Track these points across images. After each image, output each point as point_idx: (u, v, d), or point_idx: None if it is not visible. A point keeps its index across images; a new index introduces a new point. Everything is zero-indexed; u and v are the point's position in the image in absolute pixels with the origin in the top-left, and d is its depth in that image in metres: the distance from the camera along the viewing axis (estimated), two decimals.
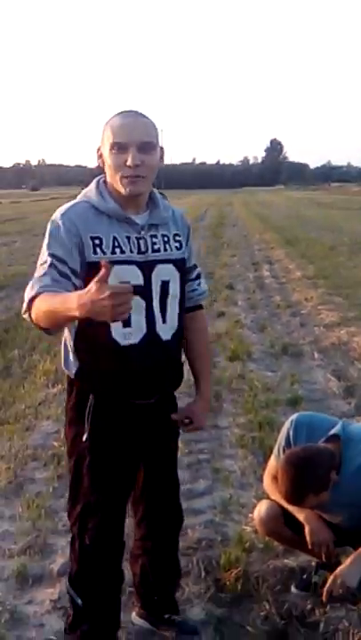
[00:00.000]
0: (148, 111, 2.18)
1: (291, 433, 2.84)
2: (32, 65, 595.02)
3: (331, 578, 2.69)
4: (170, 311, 2.27)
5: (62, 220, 2.14)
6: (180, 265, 2.32)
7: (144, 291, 2.19)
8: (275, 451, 2.95)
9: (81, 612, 2.36)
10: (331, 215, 30.79)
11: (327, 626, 2.67)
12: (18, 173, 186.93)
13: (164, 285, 2.25)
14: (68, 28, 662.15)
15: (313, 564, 3.03)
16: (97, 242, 2.13)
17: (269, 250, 16.53)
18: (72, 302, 1.85)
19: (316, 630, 2.65)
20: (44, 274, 2.07)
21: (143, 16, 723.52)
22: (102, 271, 1.76)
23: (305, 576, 2.97)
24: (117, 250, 2.15)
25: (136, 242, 2.20)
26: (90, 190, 2.23)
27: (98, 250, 2.13)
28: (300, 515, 2.78)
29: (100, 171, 2.26)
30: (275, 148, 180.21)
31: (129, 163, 2.10)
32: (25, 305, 2.07)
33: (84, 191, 2.26)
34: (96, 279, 1.76)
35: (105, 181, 2.23)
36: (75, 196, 2.29)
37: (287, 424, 2.91)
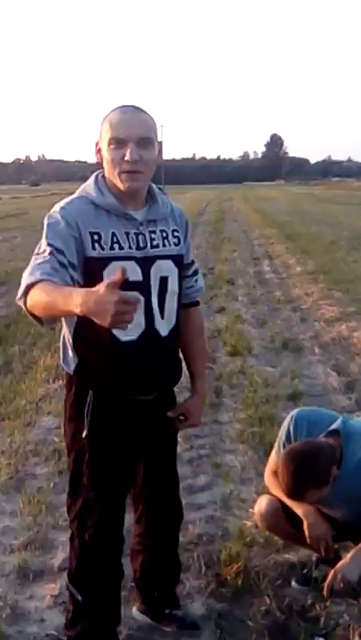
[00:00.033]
0: (148, 106, 2.18)
1: (291, 428, 2.84)
2: (32, 60, 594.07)
3: (331, 573, 2.69)
4: (168, 307, 2.26)
5: (62, 213, 2.12)
6: (179, 261, 2.32)
7: (143, 287, 2.18)
8: (275, 446, 2.95)
9: (81, 608, 2.36)
10: (331, 210, 30.77)
11: (328, 620, 2.67)
12: (18, 169, 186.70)
13: (163, 281, 2.24)
14: (69, 23, 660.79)
15: (313, 558, 3.03)
16: (96, 237, 2.12)
17: (270, 245, 16.52)
18: (75, 298, 1.79)
19: (317, 625, 2.66)
20: (44, 262, 2.02)
21: (144, 11, 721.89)
22: (117, 276, 1.70)
23: (305, 571, 2.98)
24: (116, 246, 2.14)
25: (135, 237, 2.18)
26: (88, 185, 2.22)
27: (96, 245, 2.12)
28: (298, 509, 2.79)
29: (100, 166, 2.25)
30: (275, 142, 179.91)
31: (127, 158, 2.09)
32: (22, 290, 2.00)
33: (82, 186, 2.25)
34: (108, 282, 1.70)
35: (103, 176, 2.22)
36: (75, 192, 2.28)
37: (287, 420, 2.91)
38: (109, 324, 1.72)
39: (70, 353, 2.23)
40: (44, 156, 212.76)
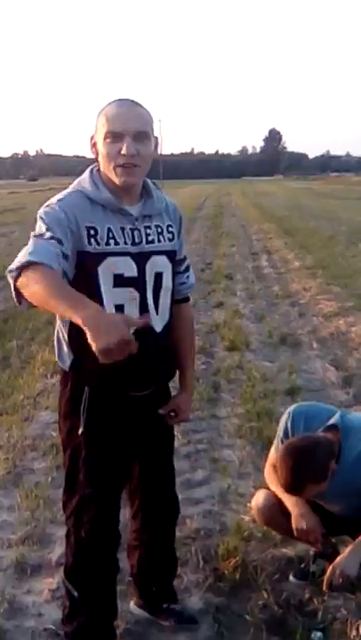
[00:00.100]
0: (146, 101, 2.16)
1: (288, 424, 2.84)
2: (30, 55, 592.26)
3: (330, 568, 2.69)
4: (162, 303, 2.25)
5: (60, 205, 2.09)
6: (173, 256, 2.31)
7: (138, 282, 2.17)
8: (275, 442, 2.95)
9: (77, 603, 2.36)
10: (329, 205, 30.75)
11: (325, 614, 2.68)
12: (16, 163, 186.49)
13: (158, 277, 2.23)
14: (67, 17, 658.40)
15: (311, 553, 3.03)
16: (92, 232, 2.10)
17: (268, 240, 16.51)
18: (84, 309, 1.77)
19: (315, 619, 2.66)
20: (47, 243, 1.98)
21: (142, 5, 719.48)
22: (140, 321, 1.88)
23: (303, 565, 2.98)
24: (112, 241, 2.13)
25: (130, 233, 2.17)
26: (83, 180, 2.19)
27: (92, 240, 2.10)
28: (288, 501, 2.79)
29: (96, 161, 2.23)
30: (274, 137, 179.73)
31: (124, 152, 2.07)
32: (18, 263, 1.92)
33: (77, 180, 2.22)
34: (127, 318, 1.80)
35: (98, 170, 2.20)
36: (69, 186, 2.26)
37: (285, 416, 2.91)
38: (99, 350, 1.71)
39: (65, 349, 2.20)
40: (42, 150, 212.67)
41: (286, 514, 2.86)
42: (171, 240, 2.30)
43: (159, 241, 2.25)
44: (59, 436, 2.43)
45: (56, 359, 2.28)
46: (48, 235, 2.01)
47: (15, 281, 1.95)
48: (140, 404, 2.25)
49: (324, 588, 2.70)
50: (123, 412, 2.23)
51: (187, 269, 2.46)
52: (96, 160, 2.20)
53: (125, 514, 2.57)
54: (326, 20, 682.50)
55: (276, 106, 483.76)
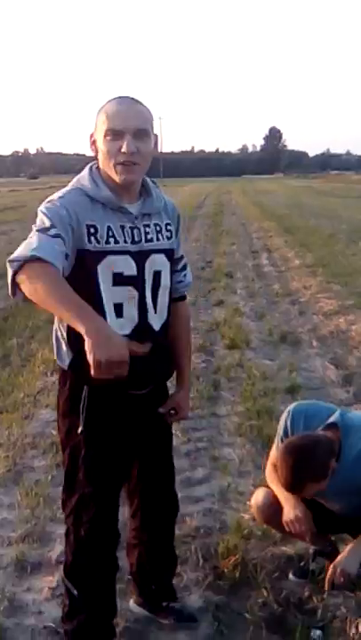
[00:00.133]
0: (147, 99, 2.16)
1: (288, 423, 2.84)
2: (30, 53, 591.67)
3: (331, 567, 2.69)
4: (160, 301, 2.25)
5: (61, 202, 2.08)
6: (171, 255, 2.31)
7: (137, 281, 2.17)
8: (275, 441, 2.95)
9: (77, 602, 2.36)
10: (329, 203, 30.73)
11: (325, 613, 2.68)
12: (16, 161, 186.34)
13: (157, 275, 2.23)
14: (67, 16, 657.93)
15: (310, 551, 3.04)
16: (92, 230, 2.09)
17: (268, 238, 16.50)
18: (87, 318, 1.85)
19: (314, 617, 2.66)
20: (52, 240, 1.98)
21: (143, 4, 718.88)
22: (140, 349, 1.99)
23: (302, 563, 2.98)
24: (112, 240, 2.12)
25: (130, 231, 2.17)
26: (83, 177, 2.18)
27: (92, 239, 2.09)
28: (281, 495, 2.79)
29: (95, 158, 2.23)
30: (274, 136, 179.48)
31: (124, 149, 2.06)
32: (21, 257, 1.93)
33: (76, 178, 2.21)
34: (129, 342, 1.92)
35: (97, 168, 2.19)
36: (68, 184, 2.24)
37: (284, 414, 2.91)
38: (98, 364, 1.81)
39: (64, 348, 2.19)
40: (42, 148, 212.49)
41: None
42: (169, 238, 2.29)
43: (158, 239, 2.24)
44: (58, 435, 2.42)
45: (55, 357, 2.28)
46: (53, 231, 2.00)
47: (15, 272, 1.95)
48: (138, 403, 2.24)
49: (326, 587, 2.70)
50: (122, 410, 2.22)
51: (184, 268, 2.46)
52: (95, 158, 2.20)
53: (124, 512, 2.57)
54: (326, 19, 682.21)
55: (276, 104, 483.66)
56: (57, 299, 1.90)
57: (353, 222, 19.84)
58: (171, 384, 2.49)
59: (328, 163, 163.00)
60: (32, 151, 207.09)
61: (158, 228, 2.26)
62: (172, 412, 2.47)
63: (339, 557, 2.70)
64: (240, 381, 5.56)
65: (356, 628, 2.55)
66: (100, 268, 2.10)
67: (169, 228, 2.31)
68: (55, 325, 2.23)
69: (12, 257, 1.97)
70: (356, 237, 15.60)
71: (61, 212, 2.06)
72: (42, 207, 2.10)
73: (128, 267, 2.14)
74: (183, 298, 2.50)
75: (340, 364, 6.04)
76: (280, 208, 27.29)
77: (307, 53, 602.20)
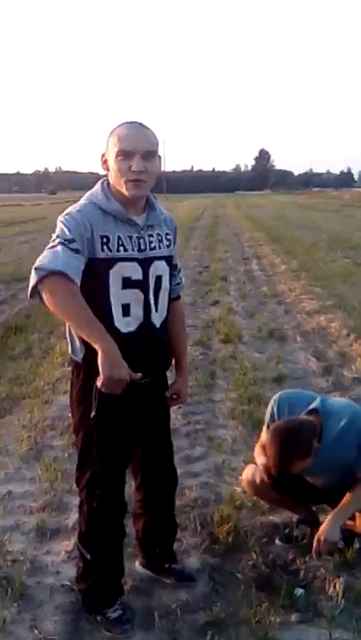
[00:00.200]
0: (152, 124, 2.16)
1: (275, 410, 2.84)
2: (50, 84, 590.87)
3: (315, 540, 2.69)
4: (161, 302, 2.26)
5: (80, 215, 2.09)
6: (170, 261, 2.32)
7: (143, 285, 2.18)
8: (264, 427, 2.94)
9: (90, 565, 2.36)
10: (312, 216, 30.65)
11: (307, 573, 2.67)
12: (38, 179, 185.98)
13: (158, 279, 2.23)
14: (78, 57, 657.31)
15: (294, 519, 3.04)
16: (105, 240, 2.10)
17: (258, 246, 16.45)
18: (103, 339, 1.98)
19: (297, 577, 2.66)
20: (74, 257, 2.00)
21: (153, 42, 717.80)
22: (134, 376, 2.05)
23: (287, 530, 2.98)
24: (121, 248, 2.13)
25: (137, 241, 2.17)
26: (96, 192, 2.19)
27: (105, 247, 2.10)
28: (259, 462, 2.85)
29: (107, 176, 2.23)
30: (263, 156, 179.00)
31: (134, 168, 2.07)
32: (49, 268, 1.96)
33: (88, 193, 2.21)
34: (131, 374, 2.03)
35: (108, 184, 2.19)
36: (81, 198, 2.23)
37: (271, 402, 2.90)
38: (109, 379, 1.99)
39: (78, 343, 2.19)
40: (60, 167, 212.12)
41: (272, 486, 2.86)
42: (168, 247, 2.30)
43: (159, 248, 2.25)
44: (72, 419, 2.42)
45: (69, 351, 2.28)
46: (74, 245, 2.02)
47: (41, 280, 1.97)
48: (142, 390, 2.23)
49: (314, 556, 2.70)
50: (128, 397, 2.21)
51: (179, 272, 2.47)
52: (106, 175, 2.20)
53: (131, 486, 2.57)
54: (312, 55, 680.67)
55: (265, 129, 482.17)
56: (76, 316, 2.01)
57: (332, 233, 19.79)
58: (170, 373, 2.49)
59: (311, 181, 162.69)
60: (51, 170, 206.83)
61: (160, 238, 2.26)
62: (175, 396, 2.50)
63: (321, 528, 2.70)
64: (233, 371, 5.55)
65: (335, 586, 2.54)
66: (111, 273, 2.11)
67: (168, 237, 2.31)
68: (67, 324, 2.23)
69: (38, 264, 2.00)
70: (335, 246, 15.56)
71: (79, 224, 2.06)
72: (62, 218, 2.10)
73: (135, 272, 2.15)
74: (178, 298, 2.51)
75: (321, 357, 6.02)
76: (268, 220, 27.22)
77: (294, 84, 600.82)
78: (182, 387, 2.53)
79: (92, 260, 2.08)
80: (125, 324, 2.15)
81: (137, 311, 2.18)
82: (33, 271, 2.00)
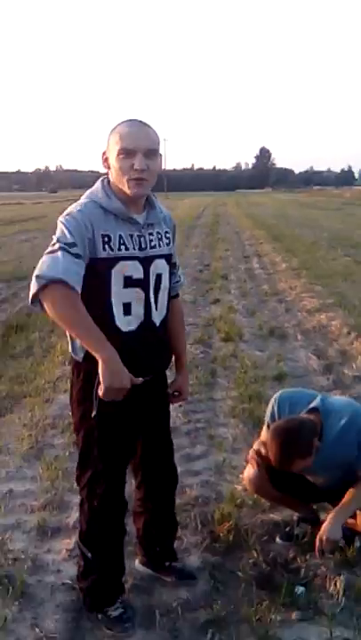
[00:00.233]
0: (153, 122, 2.14)
1: (275, 409, 2.84)
2: (51, 83, 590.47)
3: (317, 540, 2.68)
4: (161, 300, 2.26)
5: (80, 215, 2.08)
6: (169, 259, 2.31)
7: (144, 283, 2.17)
8: (264, 423, 2.94)
9: (91, 563, 2.37)
10: (312, 214, 30.61)
11: (307, 571, 2.67)
12: (38, 177, 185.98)
13: (158, 278, 2.23)
14: (79, 55, 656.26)
15: (295, 518, 3.04)
16: (106, 239, 2.09)
17: (258, 245, 16.44)
18: (105, 349, 2.00)
19: (298, 575, 2.66)
20: (74, 263, 1.99)
21: (155, 46, 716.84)
22: (134, 380, 2.07)
23: (288, 529, 2.98)
24: (123, 247, 2.12)
25: (138, 239, 2.16)
26: (97, 190, 2.17)
27: (107, 247, 2.09)
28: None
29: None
30: (264, 155, 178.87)
31: (137, 167, 2.05)
32: (48, 276, 1.96)
33: (89, 191, 2.20)
34: (132, 379, 2.05)
35: (109, 182, 2.18)
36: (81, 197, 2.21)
37: (272, 401, 2.90)
38: (110, 389, 2.02)
39: (78, 343, 2.17)
40: (61, 166, 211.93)
41: (273, 484, 2.86)
42: (168, 245, 2.30)
43: (159, 246, 2.24)
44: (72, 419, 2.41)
45: (69, 350, 2.27)
46: (75, 250, 2.01)
47: (41, 289, 1.98)
48: (142, 389, 2.22)
49: (317, 556, 2.69)
50: (128, 396, 2.21)
51: (177, 269, 2.47)
52: (107, 173, 2.19)
53: (131, 485, 2.57)
54: (312, 56, 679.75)
55: (266, 127, 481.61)
56: (77, 325, 2.03)
57: (333, 231, 19.77)
58: (169, 372, 2.49)
59: (311, 179, 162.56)
60: (52, 168, 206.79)
61: (159, 236, 2.25)
62: (176, 393, 2.51)
63: (323, 528, 2.69)
64: (234, 370, 5.55)
65: (335, 584, 2.55)
66: (113, 272, 2.10)
67: (167, 235, 2.30)
68: None
69: (38, 272, 1.99)
70: (336, 244, 15.55)
71: (80, 224, 2.05)
72: (62, 219, 2.09)
73: (136, 271, 2.14)
74: (177, 296, 2.51)
75: (322, 355, 6.02)
76: (269, 218, 27.20)
77: (295, 82, 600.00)
78: (183, 384, 2.54)
79: (94, 259, 2.07)
80: (126, 323, 2.15)
81: (138, 310, 2.17)
82: (33, 279, 2.00)
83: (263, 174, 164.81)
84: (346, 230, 20.14)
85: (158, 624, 2.37)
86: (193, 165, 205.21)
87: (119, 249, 2.11)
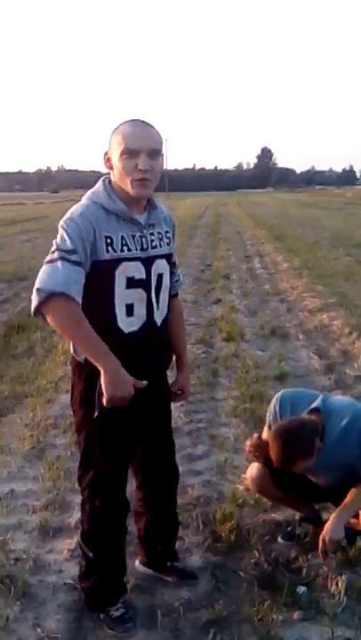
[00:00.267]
0: (154, 122, 2.14)
1: (277, 409, 2.83)
2: (52, 83, 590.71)
3: (320, 540, 2.68)
4: (162, 300, 2.26)
5: (81, 219, 2.07)
6: (170, 259, 2.31)
7: (146, 283, 2.17)
8: (265, 423, 2.94)
9: (92, 563, 2.37)
10: (314, 214, 30.59)
11: (309, 571, 2.67)
12: (40, 178, 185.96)
13: (159, 278, 2.23)
14: (80, 55, 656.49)
15: (297, 517, 3.04)
16: (109, 241, 2.08)
17: (260, 244, 16.43)
18: (107, 359, 2.02)
19: (300, 575, 2.65)
20: (74, 272, 2.00)
21: (152, 41, 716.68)
22: (138, 385, 2.09)
23: (290, 528, 2.98)
24: (125, 248, 2.11)
25: (140, 240, 2.16)
26: (98, 191, 2.16)
27: (109, 248, 2.08)
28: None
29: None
30: (265, 154, 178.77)
31: (140, 167, 2.05)
32: (49, 290, 1.97)
33: (90, 191, 2.19)
34: (134, 380, 2.07)
35: (110, 182, 2.18)
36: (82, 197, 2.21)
37: (273, 401, 2.90)
38: (113, 398, 2.04)
39: None
40: (62, 166, 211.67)
41: (275, 483, 2.86)
42: (168, 245, 2.30)
43: (160, 246, 2.24)
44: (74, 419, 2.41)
45: (71, 351, 2.27)
46: (75, 257, 2.01)
47: (43, 302, 2.00)
48: (143, 389, 2.21)
49: (320, 556, 2.69)
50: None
51: (177, 269, 2.47)
52: (109, 174, 2.19)
53: (132, 485, 2.57)
54: (313, 55, 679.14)
55: (267, 127, 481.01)
56: (79, 338, 2.07)
57: (334, 231, 19.76)
58: (170, 372, 2.49)
59: (313, 179, 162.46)
60: (54, 168, 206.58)
61: (160, 236, 2.25)
62: (179, 392, 2.51)
63: (325, 528, 2.69)
64: (235, 369, 5.55)
65: (337, 584, 2.54)
66: (116, 273, 2.10)
67: (168, 235, 2.30)
68: None
69: (39, 285, 2.01)
70: (337, 244, 15.53)
71: (81, 228, 2.04)
72: (63, 223, 2.08)
73: (139, 271, 2.14)
74: (176, 295, 2.51)
75: (323, 355, 6.02)
76: (271, 218, 27.18)
77: (296, 82, 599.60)
78: (185, 383, 2.54)
79: (97, 262, 2.07)
80: (129, 324, 2.15)
81: (140, 311, 2.17)
82: (34, 292, 2.02)
83: (265, 174, 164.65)
84: (347, 230, 20.13)
85: (160, 624, 2.37)
86: (195, 165, 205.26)
87: (122, 250, 2.11)
